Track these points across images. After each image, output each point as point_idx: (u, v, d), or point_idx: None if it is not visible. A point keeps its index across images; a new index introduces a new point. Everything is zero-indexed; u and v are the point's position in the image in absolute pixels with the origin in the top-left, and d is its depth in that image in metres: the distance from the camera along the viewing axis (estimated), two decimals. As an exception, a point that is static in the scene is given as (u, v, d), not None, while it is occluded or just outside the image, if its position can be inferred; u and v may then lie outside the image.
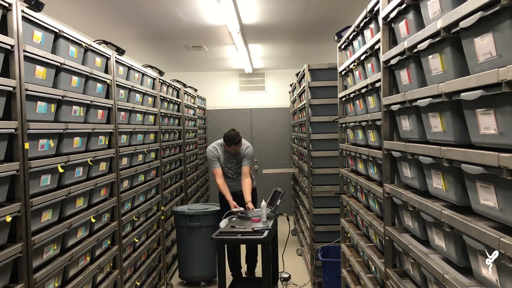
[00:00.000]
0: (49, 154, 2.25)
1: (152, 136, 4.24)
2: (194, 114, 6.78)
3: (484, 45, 1.18)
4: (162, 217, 4.50)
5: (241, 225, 3.67)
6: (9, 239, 1.91)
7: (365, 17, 2.41)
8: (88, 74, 2.68)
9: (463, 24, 1.24)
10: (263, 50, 6.50)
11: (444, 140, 1.50)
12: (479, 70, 1.21)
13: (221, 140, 4.37)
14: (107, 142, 3.06)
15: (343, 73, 3.26)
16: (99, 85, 2.91)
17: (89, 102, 2.70)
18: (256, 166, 8.45)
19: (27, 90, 2.00)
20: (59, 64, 2.30)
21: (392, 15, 1.88)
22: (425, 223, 1.72)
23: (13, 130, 1.90)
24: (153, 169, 4.22)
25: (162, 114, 4.64)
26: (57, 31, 2.30)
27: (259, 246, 3.71)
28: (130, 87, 3.52)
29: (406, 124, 1.88)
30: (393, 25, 1.97)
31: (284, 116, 8.22)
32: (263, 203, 3.50)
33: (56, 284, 2.28)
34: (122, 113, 3.36)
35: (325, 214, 4.28)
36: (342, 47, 3.21)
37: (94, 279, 2.78)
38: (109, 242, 3.07)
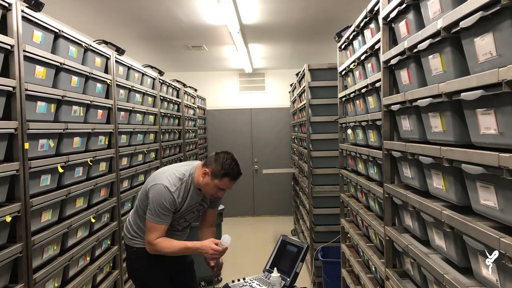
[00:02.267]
0: (49, 154, 2.25)
1: (152, 136, 4.24)
2: (194, 114, 6.78)
3: (484, 45, 1.18)
4: (162, 217, 4.50)
5: None
6: (9, 239, 1.91)
7: (365, 17, 2.41)
8: (88, 74, 2.68)
9: (463, 24, 1.24)
10: (263, 50, 6.50)
11: (444, 140, 1.49)
12: (479, 70, 1.21)
13: (185, 170, 2.34)
14: (107, 142, 3.06)
15: (343, 73, 3.26)
16: (99, 85, 2.91)
17: (89, 102, 2.70)
18: (256, 166, 8.46)
19: (27, 90, 2.00)
20: (59, 64, 2.30)
21: (392, 15, 1.88)
22: (425, 223, 1.72)
23: (13, 130, 1.90)
24: (153, 169, 4.22)
25: (162, 114, 4.64)
26: (57, 31, 2.30)
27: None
28: (130, 87, 3.52)
29: (406, 124, 1.88)
30: (393, 25, 1.97)
31: (284, 116, 8.22)
32: (275, 275, 2.05)
33: (56, 284, 2.28)
34: (122, 113, 3.36)
35: (325, 214, 4.28)
36: (342, 47, 3.21)
37: (94, 279, 2.78)
38: (109, 242, 3.07)
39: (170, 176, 2.28)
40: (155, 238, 2.24)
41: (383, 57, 2.04)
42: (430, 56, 1.53)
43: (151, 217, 2.23)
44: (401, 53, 1.79)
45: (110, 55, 3.09)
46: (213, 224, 2.62)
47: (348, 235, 3.22)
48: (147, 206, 2.27)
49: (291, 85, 6.72)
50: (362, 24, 2.51)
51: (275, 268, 2.12)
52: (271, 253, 2.36)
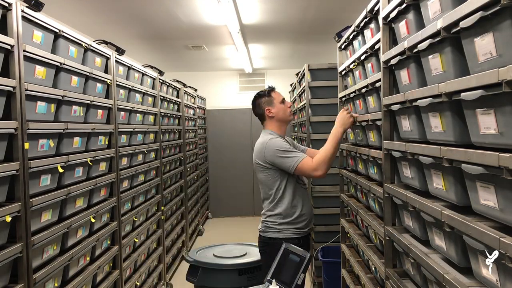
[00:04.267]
0: (49, 154, 2.25)
1: (152, 136, 4.24)
2: (194, 114, 6.78)
3: (484, 45, 1.18)
4: (162, 217, 4.50)
5: None
6: (9, 239, 1.91)
7: (365, 17, 2.41)
8: (88, 74, 2.68)
9: (463, 24, 1.24)
10: (263, 50, 6.50)
11: (444, 140, 1.49)
12: (479, 70, 1.21)
13: (266, 133, 2.67)
14: (107, 142, 3.06)
15: (343, 73, 3.26)
16: (99, 85, 2.91)
17: (89, 102, 2.70)
18: (256, 166, 8.45)
19: (27, 90, 2.00)
20: (59, 64, 2.30)
21: (392, 15, 1.88)
22: (425, 223, 1.72)
23: (13, 130, 1.90)
24: (153, 169, 4.22)
25: (162, 114, 4.64)
26: (57, 31, 2.30)
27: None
28: (130, 87, 3.52)
29: (406, 124, 1.88)
30: (393, 25, 1.97)
31: (284, 116, 8.22)
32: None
33: (56, 284, 2.28)
34: (122, 113, 3.36)
35: (325, 214, 4.28)
36: (342, 47, 3.21)
37: (94, 279, 2.78)
38: (109, 242, 3.07)
39: (264, 138, 2.60)
40: (312, 162, 2.48)
41: (383, 57, 2.04)
42: (430, 56, 1.53)
43: (295, 161, 2.48)
44: (401, 53, 1.79)
45: (110, 55, 3.09)
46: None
47: (348, 235, 3.21)
48: (274, 180, 2.57)
49: (291, 85, 6.71)
50: (362, 24, 2.51)
51: (273, 281, 1.97)
52: (273, 263, 2.20)
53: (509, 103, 1.08)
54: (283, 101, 2.72)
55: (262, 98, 2.71)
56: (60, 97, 2.33)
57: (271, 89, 2.75)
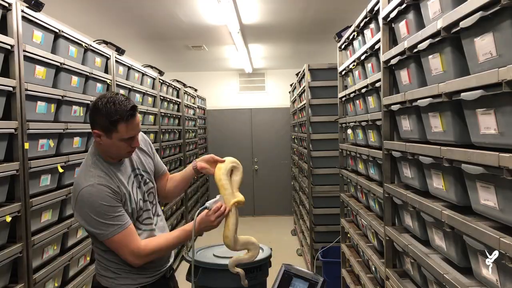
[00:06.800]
0: (49, 154, 2.25)
1: (152, 136, 4.24)
2: (194, 114, 6.78)
3: (484, 45, 1.18)
4: (162, 217, 4.50)
5: None
6: (9, 239, 1.91)
7: (365, 17, 2.41)
8: (88, 74, 2.68)
9: (463, 24, 1.24)
10: (263, 50, 6.50)
11: (444, 140, 1.49)
12: (479, 70, 1.21)
13: (91, 155, 1.77)
14: (107, 142, 3.06)
15: (343, 73, 3.26)
16: (99, 85, 2.91)
17: (89, 102, 2.70)
18: (256, 166, 8.45)
19: (27, 90, 2.00)
20: (59, 64, 2.30)
21: (392, 15, 1.88)
22: (425, 223, 1.72)
23: (13, 130, 1.90)
24: (153, 169, 4.22)
25: (162, 114, 4.64)
26: (57, 31, 2.30)
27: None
28: (130, 87, 3.52)
29: (406, 124, 1.88)
30: (393, 25, 1.97)
31: (284, 116, 8.22)
32: None
33: (56, 284, 2.28)
34: (122, 113, 3.36)
35: (325, 214, 4.28)
36: (342, 47, 3.21)
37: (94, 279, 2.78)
38: (109, 242, 3.07)
39: (81, 177, 1.70)
40: (139, 242, 1.69)
41: (383, 57, 2.04)
42: (430, 56, 1.53)
43: (110, 231, 1.63)
44: (401, 53, 1.79)
45: (110, 55, 3.09)
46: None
47: (348, 235, 3.22)
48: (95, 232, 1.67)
49: (291, 85, 6.72)
50: (362, 24, 2.51)
51: None
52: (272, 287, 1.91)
53: (509, 103, 1.08)
54: (130, 140, 1.71)
55: (102, 118, 1.65)
56: (60, 97, 2.33)
57: (125, 116, 1.65)
